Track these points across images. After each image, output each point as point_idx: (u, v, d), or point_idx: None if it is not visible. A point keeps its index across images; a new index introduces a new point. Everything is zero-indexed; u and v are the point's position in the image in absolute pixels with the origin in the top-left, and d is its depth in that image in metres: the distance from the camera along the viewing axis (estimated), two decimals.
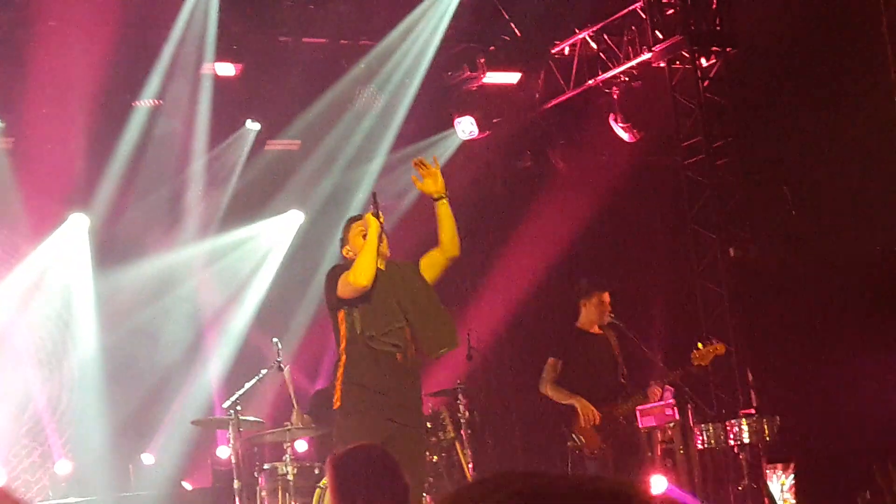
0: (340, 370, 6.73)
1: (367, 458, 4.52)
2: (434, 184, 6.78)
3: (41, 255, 12.05)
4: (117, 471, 11.44)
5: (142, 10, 11.40)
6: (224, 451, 10.90)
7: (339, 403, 6.70)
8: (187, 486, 11.63)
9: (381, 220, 6.72)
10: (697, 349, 9.09)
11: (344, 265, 6.80)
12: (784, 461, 9.85)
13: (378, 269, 6.66)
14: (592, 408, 8.86)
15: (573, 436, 8.95)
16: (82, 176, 11.98)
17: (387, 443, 6.23)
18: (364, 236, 6.69)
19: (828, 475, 9.48)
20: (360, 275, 6.56)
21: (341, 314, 6.78)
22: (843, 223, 10.92)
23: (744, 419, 10.33)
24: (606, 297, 9.25)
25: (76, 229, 12.22)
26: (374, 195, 6.89)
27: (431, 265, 6.92)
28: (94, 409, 11.83)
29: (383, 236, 6.73)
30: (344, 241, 6.96)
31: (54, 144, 11.71)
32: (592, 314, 9.25)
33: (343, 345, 6.76)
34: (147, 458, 11.76)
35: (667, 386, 10.10)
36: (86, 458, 11.50)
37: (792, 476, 9.73)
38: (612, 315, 9.26)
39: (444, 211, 6.79)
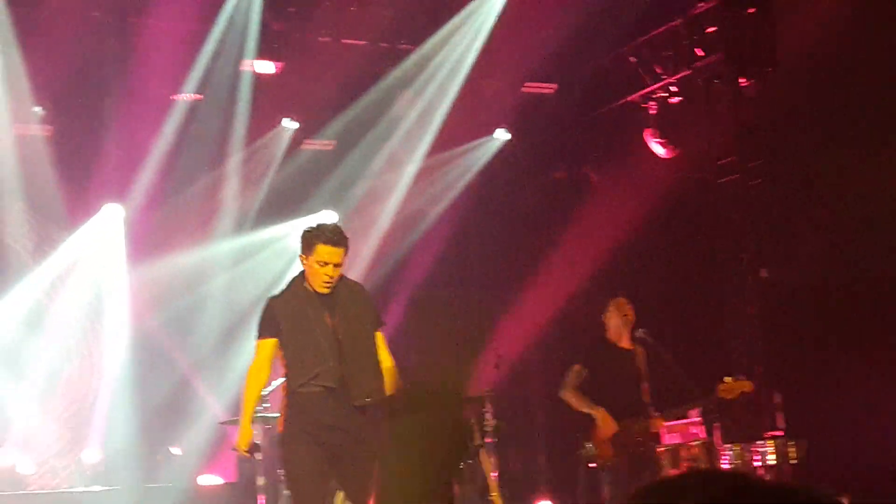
0: (284, 394, 6.74)
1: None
2: None
3: (75, 243, 12.10)
4: (145, 461, 11.48)
5: (185, 4, 11.44)
6: None
7: (280, 429, 6.71)
8: (217, 479, 11.62)
9: None
10: (724, 382, 8.93)
11: (271, 309, 6.65)
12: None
13: (314, 292, 6.57)
14: (612, 420, 8.83)
15: (585, 444, 8.94)
16: (119, 167, 12.03)
17: (332, 466, 6.45)
18: (319, 264, 6.52)
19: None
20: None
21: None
22: (877, 245, 10.86)
23: (769, 441, 10.30)
24: (621, 301, 9.20)
25: (111, 220, 12.27)
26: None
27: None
28: (124, 399, 11.87)
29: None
30: (305, 252, 6.64)
31: (92, 134, 11.75)
32: (617, 321, 9.20)
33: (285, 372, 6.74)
34: (175, 450, 11.79)
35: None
36: (114, 447, 11.54)
37: None
38: (644, 332, 9.22)
39: None
